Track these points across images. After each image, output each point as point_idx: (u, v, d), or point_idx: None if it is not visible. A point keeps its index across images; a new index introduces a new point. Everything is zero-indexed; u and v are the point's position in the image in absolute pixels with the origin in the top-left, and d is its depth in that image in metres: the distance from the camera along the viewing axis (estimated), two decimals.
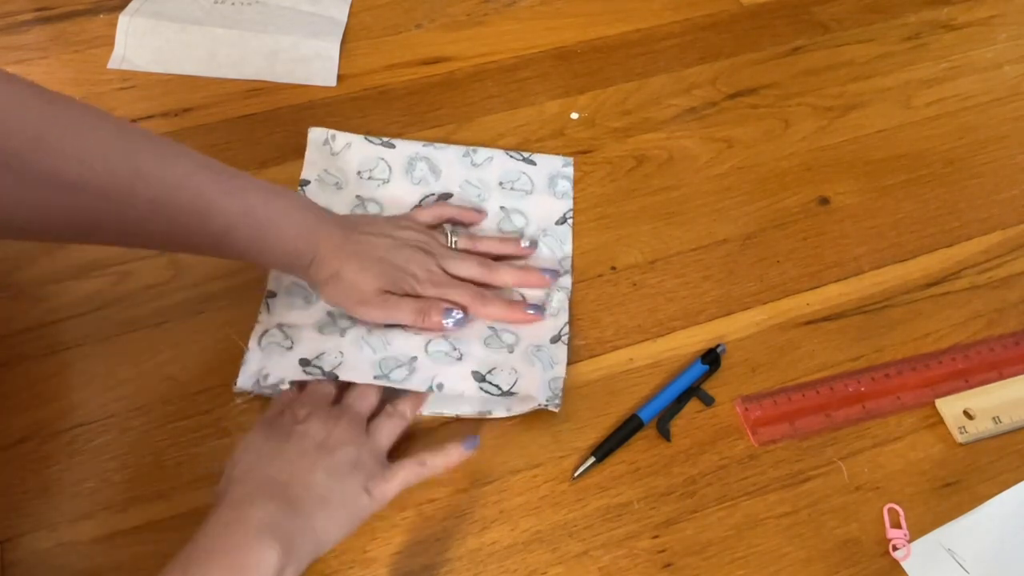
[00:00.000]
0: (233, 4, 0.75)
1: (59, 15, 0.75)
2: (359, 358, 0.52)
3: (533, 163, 0.65)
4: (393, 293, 0.53)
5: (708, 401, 0.53)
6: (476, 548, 0.48)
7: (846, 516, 0.49)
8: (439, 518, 0.49)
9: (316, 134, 0.65)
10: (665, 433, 0.52)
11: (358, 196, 0.62)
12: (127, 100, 0.69)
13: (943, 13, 0.80)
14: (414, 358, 0.53)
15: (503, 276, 0.57)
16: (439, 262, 0.55)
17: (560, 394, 0.52)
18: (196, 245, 0.50)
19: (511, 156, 0.65)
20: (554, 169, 0.65)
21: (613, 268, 0.60)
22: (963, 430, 0.52)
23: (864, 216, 0.64)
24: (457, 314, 0.53)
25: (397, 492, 0.46)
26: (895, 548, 0.48)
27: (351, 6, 0.78)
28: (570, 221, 0.62)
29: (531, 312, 0.56)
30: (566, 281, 0.58)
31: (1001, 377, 0.55)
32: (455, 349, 0.54)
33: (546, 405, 0.51)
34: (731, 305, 0.59)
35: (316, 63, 0.72)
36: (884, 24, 0.79)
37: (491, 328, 0.56)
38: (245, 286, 0.57)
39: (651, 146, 0.68)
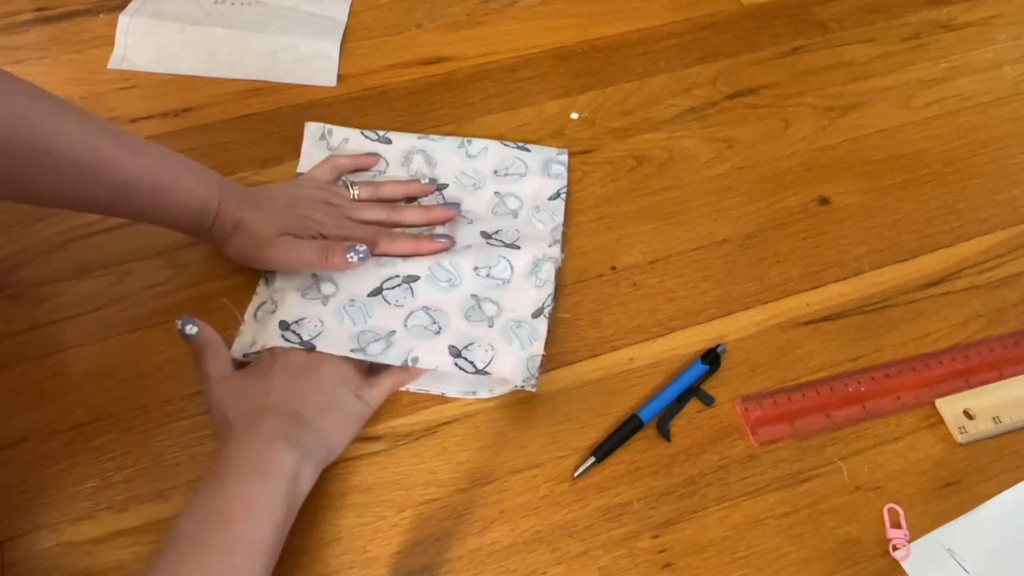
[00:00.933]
0: (233, 4, 0.75)
1: (59, 15, 0.75)
2: (338, 329, 0.53)
3: (527, 150, 0.66)
4: (295, 235, 0.54)
5: (708, 401, 0.53)
6: (476, 548, 0.48)
7: (846, 516, 0.49)
8: (439, 518, 0.49)
9: (312, 128, 0.66)
10: (665, 433, 0.52)
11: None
12: (127, 100, 0.69)
13: (943, 13, 0.80)
14: (392, 331, 0.53)
15: (408, 215, 0.59)
16: (345, 212, 0.57)
17: (537, 373, 0.52)
18: (95, 198, 0.50)
19: (506, 145, 0.66)
20: (548, 156, 0.66)
21: (613, 268, 0.60)
22: (963, 430, 0.52)
23: (864, 216, 0.64)
24: (361, 248, 0.53)
25: (387, 395, 0.51)
26: (895, 548, 0.48)
27: (351, 6, 0.78)
28: (563, 196, 0.63)
29: (440, 241, 0.57)
30: (555, 251, 0.58)
31: (1001, 377, 0.55)
32: (434, 323, 0.54)
33: (522, 386, 0.51)
34: (731, 305, 0.59)
35: (316, 63, 0.72)
36: (884, 24, 0.79)
37: (474, 298, 0.56)
38: (245, 286, 0.57)
39: (651, 146, 0.68)
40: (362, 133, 0.65)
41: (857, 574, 0.48)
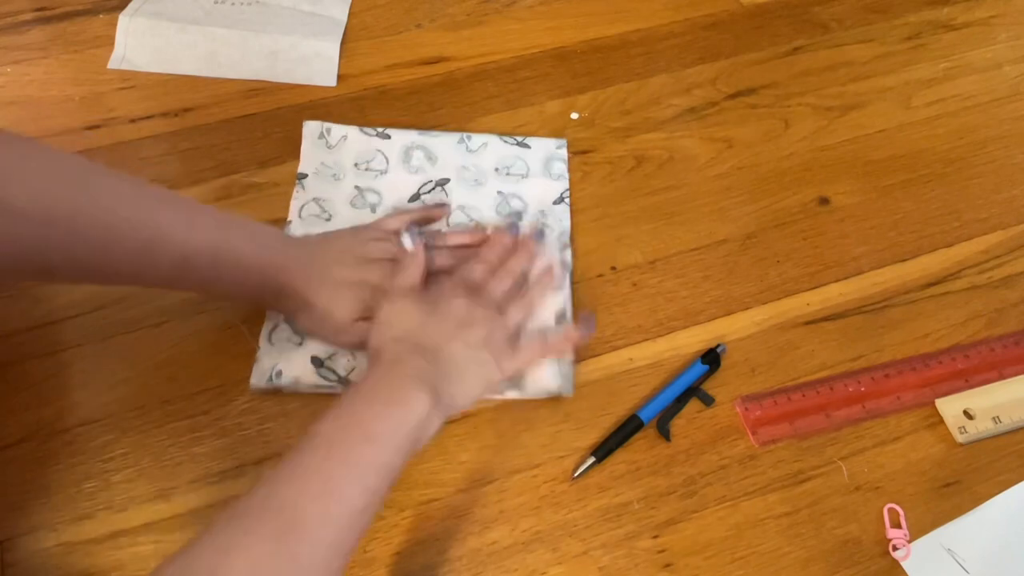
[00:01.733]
0: (233, 4, 0.75)
1: (59, 15, 0.75)
2: None
3: (528, 147, 0.66)
4: (368, 318, 0.52)
5: (708, 401, 0.53)
6: (476, 548, 0.48)
7: (846, 516, 0.49)
8: (439, 518, 0.49)
9: (311, 127, 0.66)
10: (665, 433, 0.52)
11: (356, 187, 0.62)
12: (127, 100, 0.69)
13: (943, 13, 0.80)
14: None
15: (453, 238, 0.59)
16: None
17: (571, 378, 0.53)
18: (154, 274, 0.48)
19: (505, 141, 0.66)
20: (548, 151, 0.66)
21: (613, 268, 0.60)
22: (963, 430, 0.52)
23: (864, 216, 0.64)
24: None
25: (523, 365, 0.51)
26: (895, 548, 0.48)
27: (351, 6, 0.77)
28: (567, 200, 0.63)
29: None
30: (566, 256, 0.60)
31: (1001, 377, 0.55)
32: None
33: (560, 393, 0.52)
34: (731, 305, 0.59)
35: (316, 63, 0.72)
36: (884, 24, 0.79)
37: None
38: None
39: (651, 146, 0.68)
40: (361, 130, 0.66)
41: (857, 574, 0.48)
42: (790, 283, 0.60)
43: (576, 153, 0.67)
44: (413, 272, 0.53)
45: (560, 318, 0.56)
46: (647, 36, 0.77)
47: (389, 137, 0.65)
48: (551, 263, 0.57)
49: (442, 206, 0.61)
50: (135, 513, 0.48)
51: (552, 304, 0.57)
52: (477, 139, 0.66)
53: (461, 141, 0.66)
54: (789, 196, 0.65)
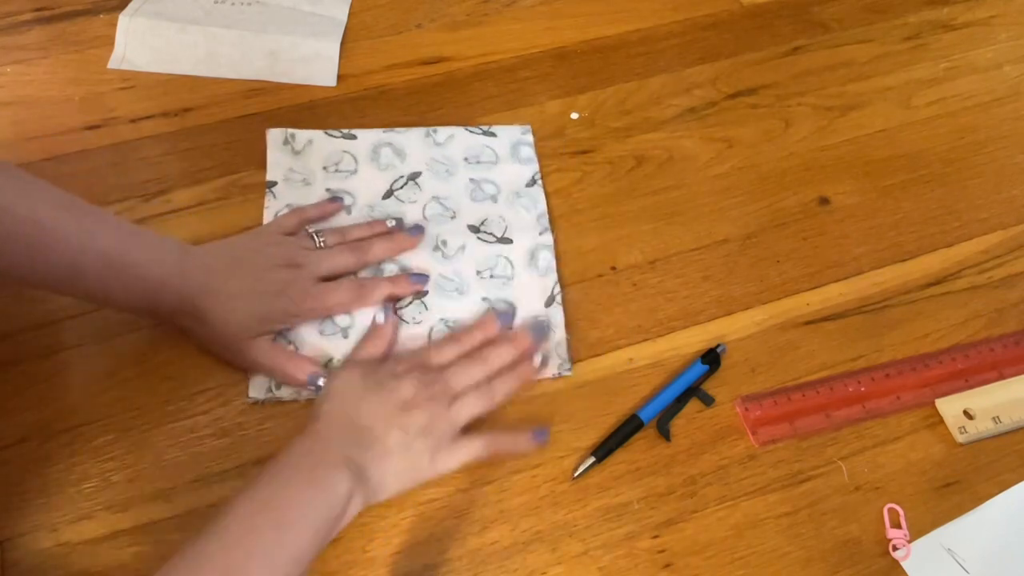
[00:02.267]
0: (233, 4, 0.75)
1: (59, 15, 0.75)
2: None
3: (493, 135, 0.67)
4: (267, 333, 0.52)
5: (708, 401, 0.53)
6: (476, 548, 0.48)
7: (846, 516, 0.49)
8: (439, 518, 0.49)
9: (274, 135, 0.65)
10: (665, 433, 0.52)
11: (328, 189, 0.62)
12: (127, 100, 0.69)
13: (943, 13, 0.80)
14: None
15: (375, 252, 0.57)
16: (312, 272, 0.54)
17: (568, 357, 0.54)
18: (42, 277, 0.48)
19: (471, 131, 0.67)
20: (514, 138, 0.67)
21: (613, 268, 0.60)
22: (963, 430, 0.52)
23: (864, 216, 0.64)
24: (319, 380, 0.51)
25: (458, 465, 0.48)
26: (895, 548, 0.48)
27: (351, 6, 0.77)
28: (539, 182, 0.64)
29: (415, 281, 0.56)
30: (547, 239, 0.60)
31: (1001, 377, 0.55)
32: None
33: (559, 373, 0.54)
34: (731, 305, 0.59)
35: (316, 63, 0.72)
36: (884, 24, 0.79)
37: (485, 300, 0.57)
38: None
39: (651, 146, 0.68)
40: (326, 133, 0.65)
41: (857, 574, 0.48)
42: (790, 283, 0.60)
43: (576, 153, 0.67)
44: (376, 346, 0.53)
45: (550, 301, 0.57)
46: (647, 36, 0.77)
47: (355, 137, 0.65)
48: (535, 365, 0.53)
49: (336, 200, 0.60)
50: (135, 513, 0.48)
51: (540, 289, 0.57)
52: (443, 131, 0.66)
53: (428, 135, 0.66)
54: (789, 196, 0.65)
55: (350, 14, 0.77)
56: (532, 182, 0.64)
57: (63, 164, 0.64)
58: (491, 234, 0.60)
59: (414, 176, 0.63)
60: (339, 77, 0.71)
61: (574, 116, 0.70)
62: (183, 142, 0.66)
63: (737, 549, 0.48)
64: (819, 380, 0.55)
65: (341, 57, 0.73)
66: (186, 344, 0.54)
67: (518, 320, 0.56)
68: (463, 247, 0.59)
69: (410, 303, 0.56)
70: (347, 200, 0.62)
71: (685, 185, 0.65)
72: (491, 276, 0.58)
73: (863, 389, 0.54)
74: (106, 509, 0.48)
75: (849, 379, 0.55)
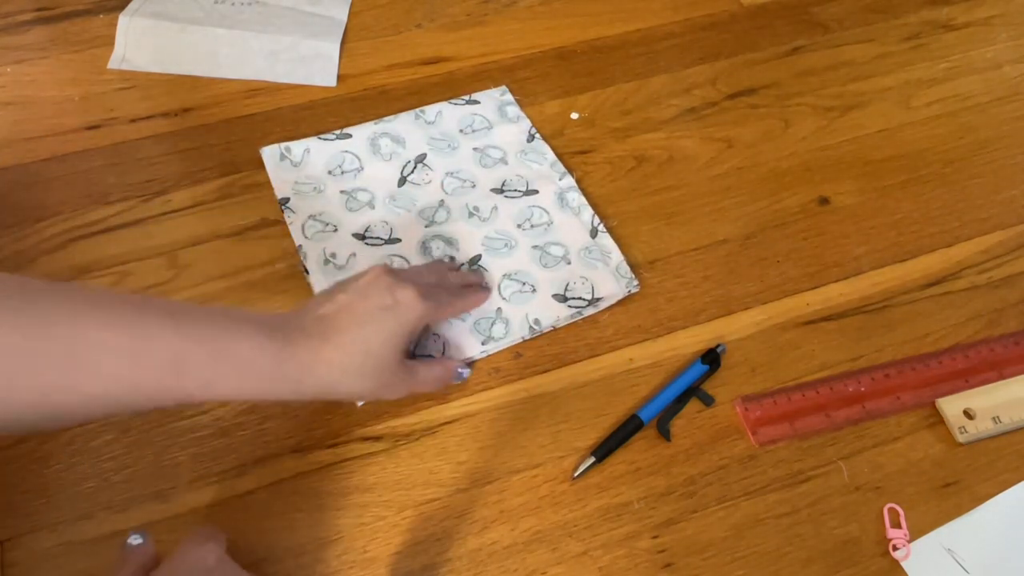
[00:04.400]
0: (233, 4, 0.75)
1: (59, 15, 0.75)
2: (459, 335, 0.55)
3: (477, 102, 0.69)
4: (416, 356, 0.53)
5: (708, 401, 0.53)
6: (476, 548, 0.48)
7: (846, 516, 0.49)
8: (439, 518, 0.49)
9: (269, 152, 0.64)
10: (665, 433, 0.52)
11: (342, 191, 0.62)
12: (127, 100, 0.69)
13: (943, 13, 0.80)
14: (498, 309, 0.57)
15: (453, 278, 0.57)
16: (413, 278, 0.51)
17: (631, 275, 0.58)
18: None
19: (455, 104, 0.69)
20: (496, 103, 0.69)
21: None
22: (963, 430, 0.52)
23: (864, 216, 0.64)
24: (465, 372, 0.53)
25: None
26: (895, 548, 0.48)
27: (351, 6, 0.78)
28: (538, 137, 0.67)
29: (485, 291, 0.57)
30: (568, 182, 0.63)
31: (1001, 377, 0.55)
32: (524, 284, 0.58)
33: (629, 291, 0.57)
34: (731, 305, 0.59)
35: (316, 63, 0.72)
36: (884, 24, 0.79)
37: (536, 248, 0.60)
38: (245, 286, 0.57)
39: (651, 146, 0.68)
40: (320, 138, 0.65)
41: (857, 574, 0.48)
42: (790, 283, 0.60)
43: (576, 153, 0.67)
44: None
45: (594, 233, 0.60)
46: (647, 36, 0.77)
47: (350, 136, 0.66)
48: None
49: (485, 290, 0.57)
50: (135, 513, 0.48)
51: (580, 226, 0.61)
52: (430, 110, 0.68)
53: (417, 116, 0.68)
54: (789, 196, 0.65)
55: (350, 14, 0.77)
56: (531, 137, 0.66)
57: (63, 164, 0.64)
58: (516, 190, 0.63)
59: (420, 158, 0.65)
60: (339, 77, 0.72)
61: (574, 116, 0.70)
62: (183, 142, 0.66)
63: (737, 549, 0.48)
64: (819, 380, 0.55)
65: (341, 57, 0.73)
66: None
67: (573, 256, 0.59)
68: (495, 208, 0.62)
69: (469, 267, 0.59)
70: (365, 196, 0.62)
71: (685, 185, 0.65)
72: (531, 226, 0.61)
73: (863, 389, 0.54)
74: (106, 509, 0.48)
75: (849, 379, 0.55)
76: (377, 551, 0.47)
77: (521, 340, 0.55)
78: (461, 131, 0.67)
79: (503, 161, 0.65)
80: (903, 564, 0.48)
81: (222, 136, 0.66)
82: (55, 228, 0.60)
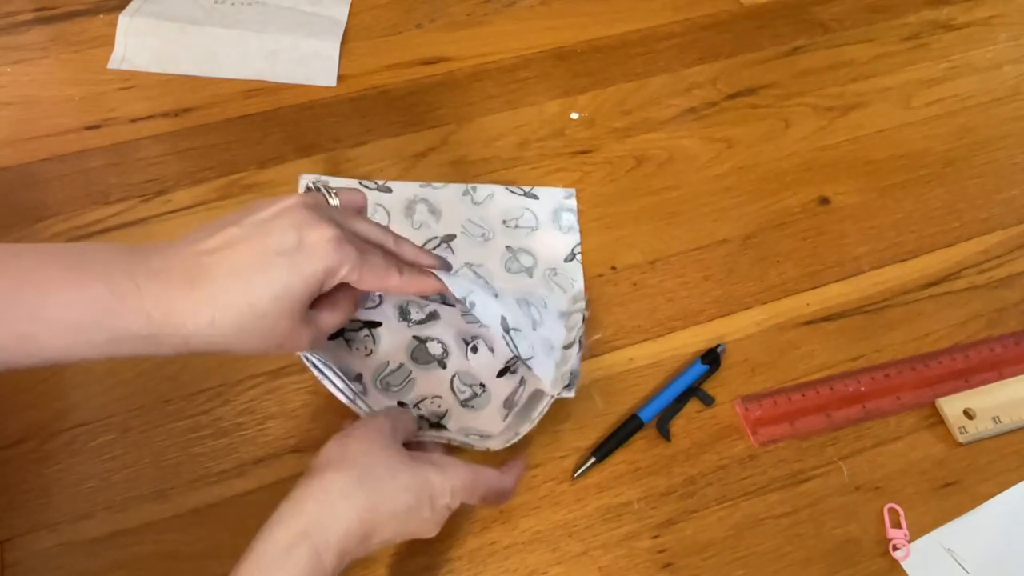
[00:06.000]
0: (233, 4, 0.75)
1: (59, 15, 0.75)
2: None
3: (535, 197, 0.63)
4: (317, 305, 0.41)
5: (708, 401, 0.53)
6: (476, 548, 0.48)
7: (846, 516, 0.49)
8: None
9: (305, 181, 0.61)
10: (665, 433, 0.52)
11: None
12: (127, 100, 0.69)
13: (943, 13, 0.80)
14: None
15: (407, 250, 0.45)
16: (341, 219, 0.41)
17: (570, 381, 0.49)
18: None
19: (512, 192, 0.63)
20: (556, 202, 0.63)
21: (613, 268, 0.60)
22: (963, 430, 0.52)
23: (864, 216, 0.64)
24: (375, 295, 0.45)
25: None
26: (895, 548, 0.48)
27: (351, 6, 0.78)
28: (578, 257, 0.60)
29: (441, 257, 0.47)
30: (576, 321, 0.52)
31: (1001, 377, 0.55)
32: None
33: (557, 394, 0.48)
34: (731, 305, 0.59)
35: (316, 63, 0.72)
36: (884, 24, 0.79)
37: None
38: None
39: (651, 146, 0.68)
40: (361, 183, 0.62)
41: (857, 574, 0.48)
42: (790, 283, 0.60)
43: (576, 153, 0.67)
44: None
45: (569, 344, 0.51)
46: (647, 36, 0.77)
47: (390, 191, 0.62)
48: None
49: (360, 192, 0.46)
50: (135, 513, 0.48)
51: (561, 332, 0.52)
52: (482, 190, 0.63)
53: (466, 193, 0.63)
54: (789, 196, 0.65)
55: (350, 14, 0.77)
56: (571, 256, 0.60)
57: (63, 164, 0.64)
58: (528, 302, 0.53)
59: (448, 239, 0.60)
60: (339, 77, 0.71)
61: (574, 116, 0.70)
62: (183, 142, 0.66)
63: (737, 549, 0.48)
64: (819, 380, 0.55)
65: (341, 57, 0.73)
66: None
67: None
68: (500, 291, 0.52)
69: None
70: None
71: (685, 185, 0.65)
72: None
73: (863, 389, 0.54)
74: (106, 509, 0.48)
75: (849, 379, 0.55)
76: (377, 551, 0.47)
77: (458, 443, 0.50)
78: (504, 222, 0.61)
79: (528, 272, 0.59)
80: (903, 564, 0.48)
81: (222, 136, 0.66)
82: (55, 228, 0.60)
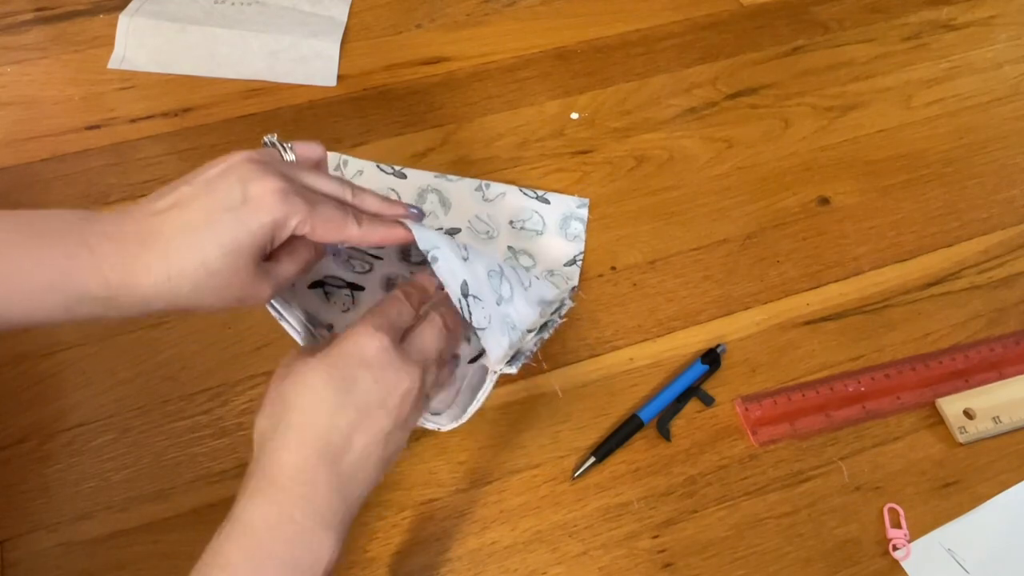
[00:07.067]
0: (233, 4, 0.75)
1: (59, 15, 0.75)
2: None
3: (547, 201, 0.62)
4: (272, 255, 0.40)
5: (708, 401, 0.53)
6: (476, 548, 0.48)
7: (846, 516, 0.49)
8: (439, 518, 0.49)
9: (329, 158, 0.60)
10: (665, 433, 0.52)
11: None
12: (127, 100, 0.69)
13: (943, 13, 0.80)
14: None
15: (368, 201, 0.43)
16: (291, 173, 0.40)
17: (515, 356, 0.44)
18: None
19: (524, 193, 0.63)
20: (568, 210, 0.62)
21: (613, 268, 0.60)
22: (963, 430, 0.52)
23: (864, 216, 0.64)
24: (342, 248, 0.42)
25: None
26: (895, 548, 0.48)
27: (351, 6, 0.78)
28: (579, 264, 0.60)
29: (413, 211, 0.44)
30: (555, 307, 0.49)
31: (1001, 377, 0.55)
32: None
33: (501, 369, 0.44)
34: (731, 305, 0.59)
35: (316, 63, 0.72)
36: (884, 24, 0.79)
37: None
38: None
39: (651, 146, 0.68)
40: (378, 166, 0.63)
41: (857, 574, 0.48)
42: (790, 283, 0.60)
43: (576, 153, 0.67)
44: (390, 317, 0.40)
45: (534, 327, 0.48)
46: (647, 36, 0.77)
47: (405, 176, 0.63)
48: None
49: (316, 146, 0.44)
50: (135, 513, 0.48)
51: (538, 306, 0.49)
52: (495, 188, 0.62)
53: (479, 189, 0.62)
54: (789, 196, 0.65)
55: (350, 14, 0.77)
56: (572, 262, 0.59)
57: (63, 164, 0.64)
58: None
59: (452, 232, 0.60)
60: (339, 77, 0.71)
61: (574, 116, 0.70)
62: (183, 142, 0.66)
63: (737, 549, 0.48)
64: (819, 380, 0.55)
65: (341, 57, 0.73)
66: (186, 344, 0.54)
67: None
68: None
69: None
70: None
71: (685, 185, 0.65)
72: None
73: (863, 389, 0.54)
74: (106, 509, 0.48)
75: (849, 379, 0.55)
76: (377, 551, 0.47)
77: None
78: (511, 222, 0.60)
79: (526, 271, 0.54)
80: (903, 564, 0.48)
81: (222, 136, 0.66)
82: None
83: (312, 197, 0.38)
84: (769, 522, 0.49)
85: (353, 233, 0.40)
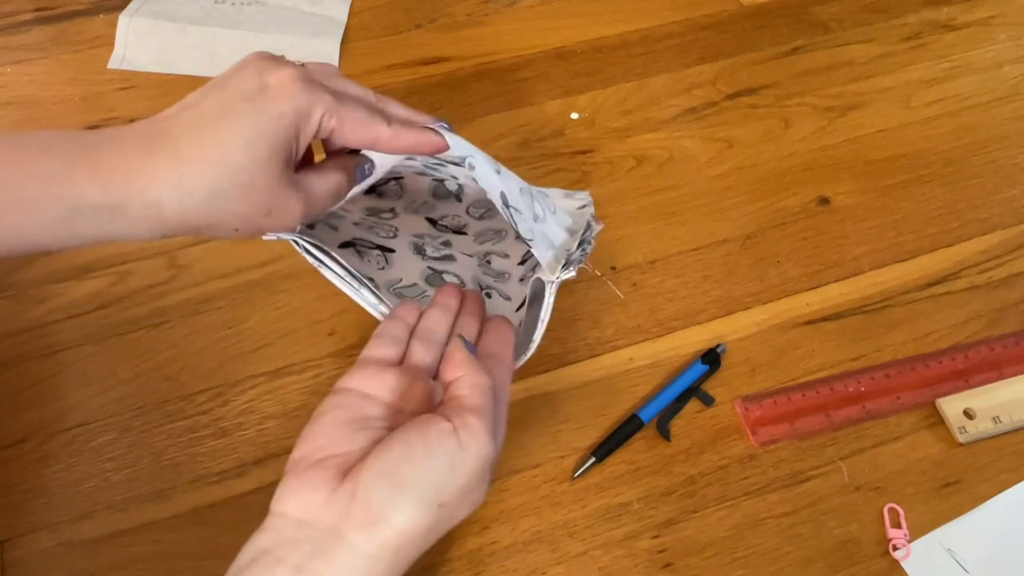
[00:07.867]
0: (233, 4, 0.75)
1: (59, 15, 0.75)
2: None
3: (546, 195, 0.56)
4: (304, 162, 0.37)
5: (708, 401, 0.53)
6: (476, 548, 0.48)
7: (846, 516, 0.49)
8: None
9: None
10: (665, 433, 0.52)
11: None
12: (127, 100, 0.69)
13: (943, 13, 0.80)
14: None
15: (394, 107, 0.40)
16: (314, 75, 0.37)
17: (565, 262, 0.45)
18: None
19: (531, 186, 0.55)
20: (570, 204, 0.56)
21: (613, 268, 0.60)
22: (963, 430, 0.52)
23: (864, 216, 0.64)
24: (367, 166, 0.39)
25: None
26: (895, 548, 0.48)
27: (351, 6, 0.78)
28: (591, 208, 0.54)
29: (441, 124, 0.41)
30: (580, 225, 0.49)
31: (1001, 377, 0.55)
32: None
33: (558, 276, 0.44)
34: (731, 305, 0.59)
35: (316, 63, 0.72)
36: (884, 24, 0.79)
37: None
38: (245, 286, 0.57)
39: (651, 146, 0.68)
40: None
41: (857, 574, 0.48)
42: (790, 283, 0.60)
43: (576, 153, 0.67)
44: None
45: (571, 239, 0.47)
46: (647, 36, 0.77)
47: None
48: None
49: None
50: (135, 513, 0.48)
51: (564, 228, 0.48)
52: (505, 168, 0.55)
53: (497, 171, 0.54)
54: (789, 196, 0.65)
55: (350, 14, 0.77)
56: (583, 207, 0.54)
57: None
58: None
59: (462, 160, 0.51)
60: None
61: (574, 116, 0.70)
62: None
63: (737, 549, 0.48)
64: (819, 380, 0.55)
65: (341, 57, 0.73)
66: (186, 344, 0.54)
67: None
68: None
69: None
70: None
71: (685, 185, 0.65)
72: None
73: (863, 389, 0.54)
74: (106, 509, 0.48)
75: (849, 379, 0.55)
76: None
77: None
78: (520, 189, 0.49)
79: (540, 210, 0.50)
80: (903, 564, 0.48)
81: None
82: None
83: (337, 92, 0.35)
84: (769, 522, 0.49)
85: (383, 133, 0.37)
